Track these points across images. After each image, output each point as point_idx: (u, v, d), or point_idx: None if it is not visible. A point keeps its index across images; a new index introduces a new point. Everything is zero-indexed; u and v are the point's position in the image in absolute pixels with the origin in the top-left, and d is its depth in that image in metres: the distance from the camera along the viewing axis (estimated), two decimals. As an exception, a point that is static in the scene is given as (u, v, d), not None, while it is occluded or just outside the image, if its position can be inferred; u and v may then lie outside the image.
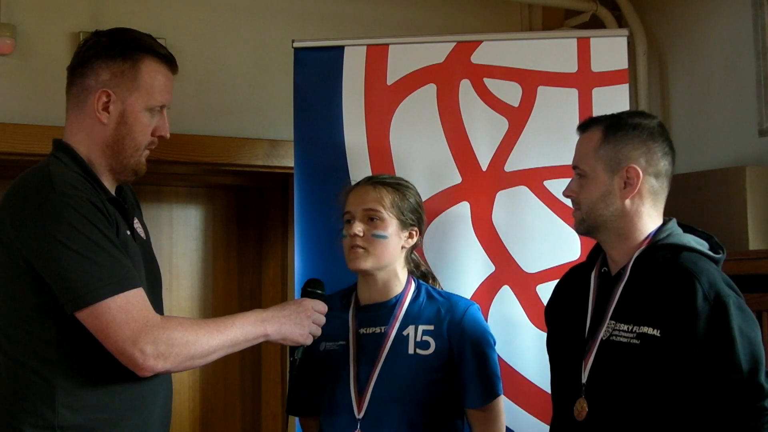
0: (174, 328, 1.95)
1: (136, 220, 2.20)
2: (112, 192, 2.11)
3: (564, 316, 2.25)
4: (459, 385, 2.42)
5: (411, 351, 2.39)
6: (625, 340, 2.05)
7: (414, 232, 2.47)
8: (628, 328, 2.06)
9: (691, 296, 1.98)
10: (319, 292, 2.28)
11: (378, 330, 2.42)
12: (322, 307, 2.22)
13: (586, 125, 2.20)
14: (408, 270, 2.49)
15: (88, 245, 1.91)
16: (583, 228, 2.19)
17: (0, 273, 2.01)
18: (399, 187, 2.47)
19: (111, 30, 2.15)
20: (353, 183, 2.58)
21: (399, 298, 2.44)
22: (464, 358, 2.40)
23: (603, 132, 2.14)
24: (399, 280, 2.46)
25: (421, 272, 2.56)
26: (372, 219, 2.41)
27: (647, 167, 2.12)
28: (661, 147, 2.14)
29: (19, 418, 1.96)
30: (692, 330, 1.97)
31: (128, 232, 2.07)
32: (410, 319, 2.42)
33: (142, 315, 1.91)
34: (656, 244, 2.11)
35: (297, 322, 2.15)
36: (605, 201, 2.12)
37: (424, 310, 2.44)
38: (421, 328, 2.41)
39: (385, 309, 2.44)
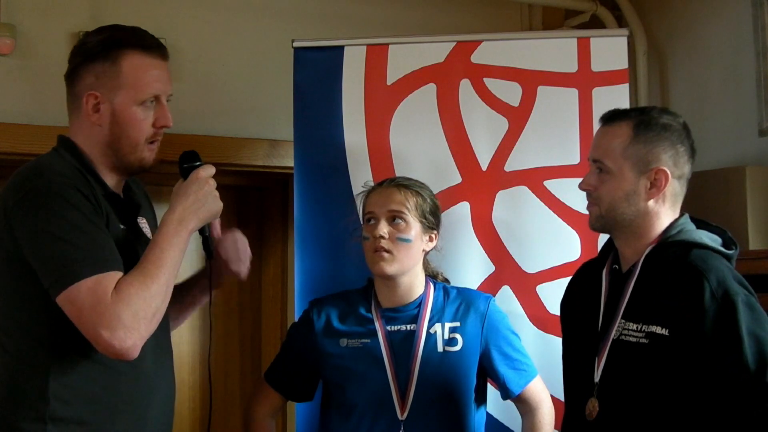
0: (130, 295, 1.88)
1: (143, 219, 2.18)
2: (114, 188, 2.10)
3: (577, 314, 2.24)
4: (495, 378, 2.47)
5: (440, 349, 2.41)
6: (634, 339, 2.03)
7: (434, 236, 2.48)
8: (637, 328, 2.04)
9: (699, 294, 1.96)
10: (198, 163, 2.13)
11: (405, 328, 2.42)
12: (211, 170, 2.10)
13: (612, 118, 2.14)
14: (425, 272, 2.52)
15: (67, 229, 1.90)
16: (600, 225, 2.15)
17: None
18: (420, 190, 2.48)
19: (95, 30, 2.15)
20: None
21: (422, 299, 2.46)
22: (496, 350, 2.45)
23: (633, 129, 2.09)
24: (419, 282, 2.47)
25: (431, 272, 2.57)
26: (396, 221, 2.40)
27: (674, 170, 2.08)
28: (687, 150, 2.11)
29: (14, 410, 1.97)
30: (700, 329, 1.95)
31: (121, 226, 2.06)
32: (435, 317, 2.44)
33: (106, 297, 1.86)
34: (667, 240, 2.08)
35: (206, 200, 2.05)
36: (629, 200, 2.08)
37: (447, 308, 2.46)
38: (447, 325, 2.43)
39: (410, 310, 2.45)
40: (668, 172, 2.07)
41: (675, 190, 2.11)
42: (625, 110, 2.18)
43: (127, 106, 2.07)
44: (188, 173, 2.10)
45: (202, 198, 2.05)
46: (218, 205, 2.08)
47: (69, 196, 1.93)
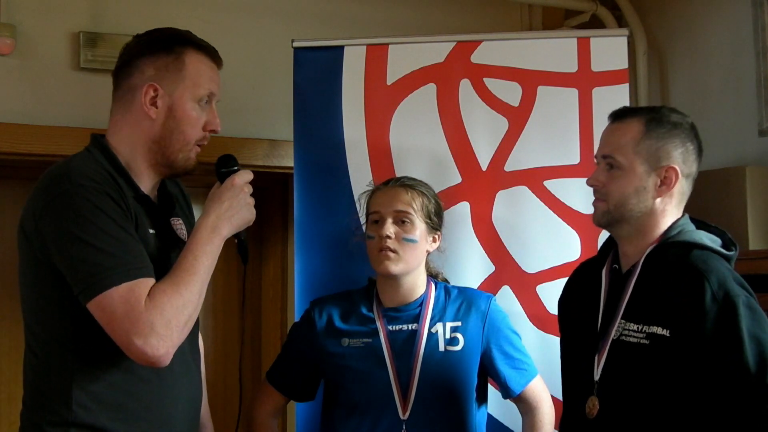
0: (163, 304, 1.88)
1: (177, 220, 2.17)
2: (147, 190, 2.09)
3: (576, 313, 2.24)
4: (495, 377, 2.48)
5: (442, 349, 2.41)
6: (635, 340, 2.04)
7: (437, 236, 2.49)
8: (638, 328, 2.04)
9: (700, 296, 1.96)
10: (236, 168, 2.13)
11: (406, 327, 2.43)
12: (248, 176, 2.11)
13: (622, 114, 2.15)
14: (426, 271, 2.52)
15: (98, 235, 1.89)
16: (606, 220, 2.14)
17: (25, 268, 2.02)
18: (425, 190, 2.49)
19: (150, 30, 2.14)
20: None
21: (424, 299, 2.46)
22: (497, 349, 2.45)
23: (645, 125, 2.09)
24: (421, 281, 2.48)
25: (432, 271, 2.57)
26: (403, 221, 2.41)
27: (683, 168, 2.09)
28: (695, 149, 2.12)
29: (39, 412, 1.98)
30: (701, 330, 1.95)
31: (151, 231, 2.05)
32: (437, 317, 2.45)
33: (139, 305, 1.86)
34: (667, 241, 2.08)
35: (240, 207, 2.06)
36: (638, 196, 2.08)
37: (448, 308, 2.47)
38: (448, 325, 2.44)
39: (412, 310, 2.45)
40: (679, 170, 2.08)
41: (683, 189, 2.12)
42: (634, 108, 2.20)
43: (186, 101, 2.06)
44: (225, 178, 2.10)
45: (236, 205, 2.05)
46: (252, 213, 2.09)
47: (99, 201, 1.92)
